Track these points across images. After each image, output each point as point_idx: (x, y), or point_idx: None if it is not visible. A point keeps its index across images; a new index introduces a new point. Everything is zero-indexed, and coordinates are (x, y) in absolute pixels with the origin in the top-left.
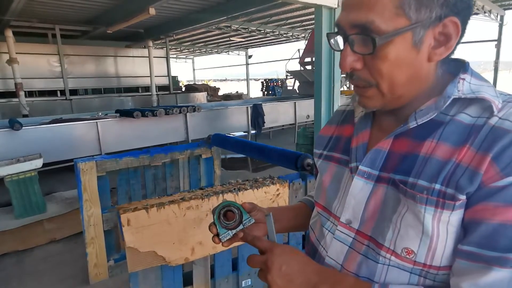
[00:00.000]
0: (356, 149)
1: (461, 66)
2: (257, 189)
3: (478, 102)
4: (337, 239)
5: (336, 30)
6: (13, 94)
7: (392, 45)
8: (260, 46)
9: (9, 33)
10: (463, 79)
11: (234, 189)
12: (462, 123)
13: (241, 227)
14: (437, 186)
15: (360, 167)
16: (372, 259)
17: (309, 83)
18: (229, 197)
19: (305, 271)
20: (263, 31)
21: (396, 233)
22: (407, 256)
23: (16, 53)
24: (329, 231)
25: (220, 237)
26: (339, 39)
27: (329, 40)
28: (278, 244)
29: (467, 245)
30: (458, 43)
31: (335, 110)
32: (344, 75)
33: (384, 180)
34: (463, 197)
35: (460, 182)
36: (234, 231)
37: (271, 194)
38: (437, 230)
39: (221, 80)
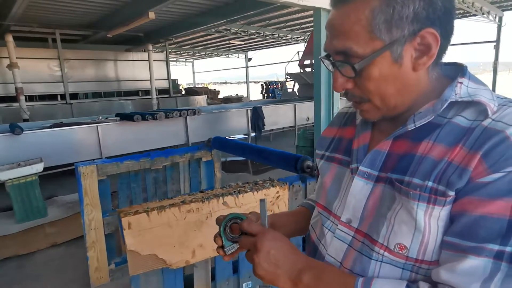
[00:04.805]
0: (357, 150)
1: (459, 70)
2: (257, 191)
3: (474, 105)
4: (337, 238)
5: (325, 54)
6: (13, 99)
7: (374, 65)
8: (259, 49)
9: (9, 38)
10: (461, 82)
11: (234, 191)
12: (459, 126)
13: None
14: (430, 183)
15: (360, 167)
16: (366, 255)
17: (308, 85)
18: (229, 199)
19: (292, 257)
20: (262, 34)
21: (390, 229)
22: (400, 251)
23: (17, 57)
24: (329, 230)
25: (225, 249)
26: (329, 64)
27: (323, 62)
28: (269, 229)
29: (450, 236)
30: (447, 44)
31: (335, 112)
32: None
33: (382, 180)
34: (452, 193)
35: (451, 179)
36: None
37: (271, 197)
38: (428, 225)
39: (221, 83)
